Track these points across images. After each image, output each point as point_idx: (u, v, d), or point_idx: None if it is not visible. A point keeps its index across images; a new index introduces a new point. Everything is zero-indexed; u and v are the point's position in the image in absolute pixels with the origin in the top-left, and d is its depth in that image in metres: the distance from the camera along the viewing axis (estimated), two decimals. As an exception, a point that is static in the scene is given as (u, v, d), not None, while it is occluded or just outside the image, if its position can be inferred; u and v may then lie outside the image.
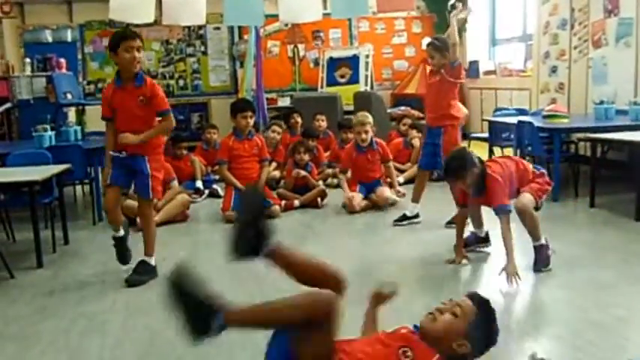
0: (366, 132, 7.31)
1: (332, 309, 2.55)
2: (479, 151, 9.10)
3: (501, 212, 4.68)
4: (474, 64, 12.70)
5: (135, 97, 4.92)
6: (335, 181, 8.27)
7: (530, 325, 3.95)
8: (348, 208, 7.07)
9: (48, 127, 7.16)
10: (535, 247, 4.92)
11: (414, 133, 9.26)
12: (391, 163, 7.60)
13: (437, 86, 6.14)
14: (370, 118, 7.38)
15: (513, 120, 8.19)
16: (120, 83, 4.95)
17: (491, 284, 4.72)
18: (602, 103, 7.68)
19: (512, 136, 8.25)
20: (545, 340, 3.70)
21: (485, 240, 5.42)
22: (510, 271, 4.52)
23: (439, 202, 6.82)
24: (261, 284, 4.55)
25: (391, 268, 5.15)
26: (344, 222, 6.87)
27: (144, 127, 4.97)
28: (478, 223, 5.36)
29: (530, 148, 7.58)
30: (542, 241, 4.90)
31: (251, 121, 7.23)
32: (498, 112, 9.82)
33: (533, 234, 4.88)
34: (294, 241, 6.31)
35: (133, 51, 4.85)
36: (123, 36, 4.91)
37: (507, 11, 12.17)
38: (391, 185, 7.49)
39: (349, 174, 7.49)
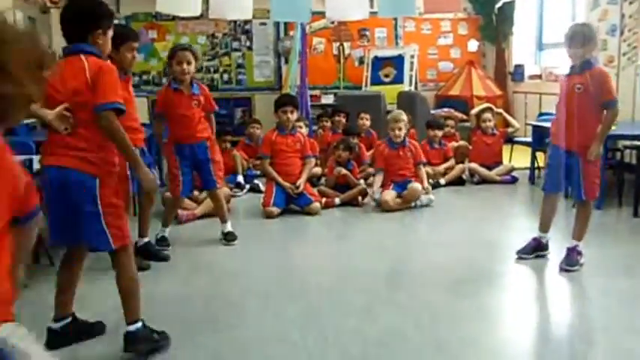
0: (400, 129, 7.44)
1: None
2: (522, 155, 9.05)
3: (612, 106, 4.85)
4: (519, 68, 12.57)
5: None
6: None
7: (570, 330, 3.93)
8: (383, 206, 7.05)
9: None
10: (568, 248, 4.96)
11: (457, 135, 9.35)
12: (422, 166, 7.57)
13: None
14: (404, 116, 7.53)
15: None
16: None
17: (530, 289, 4.68)
18: (649, 110, 7.57)
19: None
20: (584, 346, 3.67)
21: (545, 248, 5.26)
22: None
23: (478, 209, 6.75)
24: (302, 275, 4.55)
25: (426, 269, 5.11)
26: (383, 219, 6.87)
27: None
28: (548, 224, 5.21)
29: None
30: (579, 247, 4.92)
31: (292, 116, 7.21)
32: (542, 117, 9.69)
33: (578, 230, 4.96)
34: (331, 238, 6.36)
35: (134, 52, 5.04)
36: (127, 36, 5.02)
37: (555, 16, 12.01)
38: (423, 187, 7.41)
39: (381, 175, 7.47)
